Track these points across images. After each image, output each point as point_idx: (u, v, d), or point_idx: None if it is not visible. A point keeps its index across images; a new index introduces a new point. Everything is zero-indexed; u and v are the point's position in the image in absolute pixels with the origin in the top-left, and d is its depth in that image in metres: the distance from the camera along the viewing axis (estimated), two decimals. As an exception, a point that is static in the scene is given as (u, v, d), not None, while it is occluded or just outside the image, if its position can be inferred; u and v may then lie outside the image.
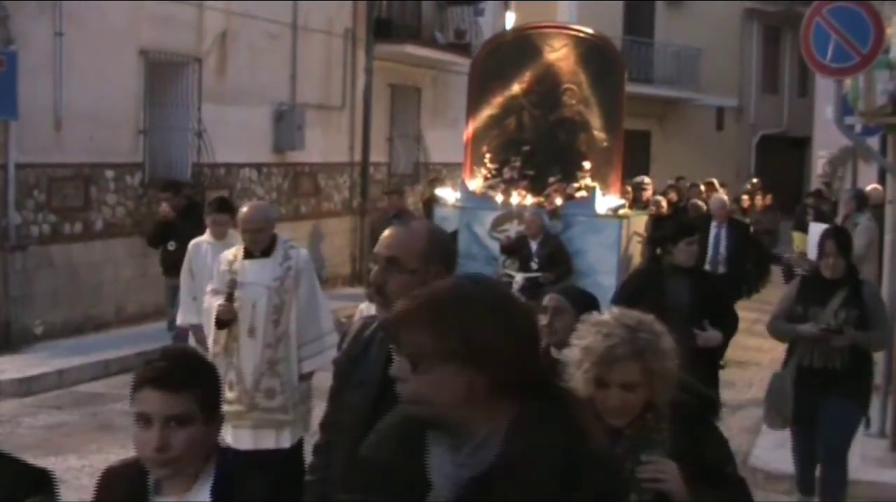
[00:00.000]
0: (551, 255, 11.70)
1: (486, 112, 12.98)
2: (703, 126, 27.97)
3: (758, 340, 14.11)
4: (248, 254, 5.99)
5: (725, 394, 10.67)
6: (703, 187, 17.93)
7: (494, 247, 12.36)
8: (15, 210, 11.26)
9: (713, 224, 12.10)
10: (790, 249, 18.55)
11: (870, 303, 6.49)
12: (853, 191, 12.63)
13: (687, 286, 6.57)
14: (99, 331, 12.39)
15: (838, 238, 6.57)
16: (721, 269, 11.54)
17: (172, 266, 9.81)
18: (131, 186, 12.92)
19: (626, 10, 25.58)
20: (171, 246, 10.85)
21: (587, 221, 12.18)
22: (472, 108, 13.13)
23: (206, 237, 7.89)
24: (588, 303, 4.54)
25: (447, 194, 13.30)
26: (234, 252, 6.15)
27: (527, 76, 12.82)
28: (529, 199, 12.37)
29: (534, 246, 11.72)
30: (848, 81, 9.34)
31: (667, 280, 6.63)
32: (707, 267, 10.85)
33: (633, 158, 25.69)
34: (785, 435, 8.50)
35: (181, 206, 11.40)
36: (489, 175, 12.76)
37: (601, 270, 11.97)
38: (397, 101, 19.21)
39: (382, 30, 17.88)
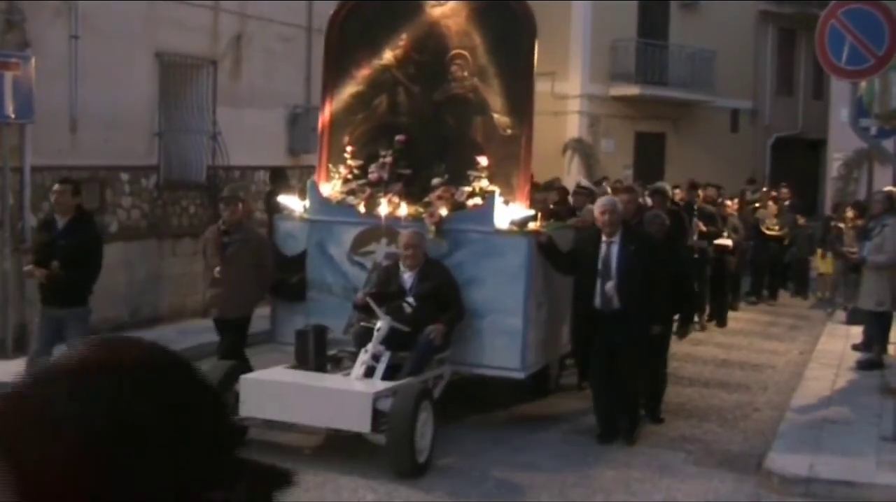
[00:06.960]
0: (435, 293, 8.58)
1: (348, 90, 9.90)
2: (717, 128, 27.89)
3: (773, 343, 14.14)
4: None
5: (741, 397, 10.70)
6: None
7: (357, 274, 9.29)
8: (31, 212, 11.31)
9: None
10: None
11: None
12: (882, 192, 12.51)
13: None
14: (114, 333, 12.40)
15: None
16: None
17: None
18: (146, 189, 12.96)
19: (640, 13, 25.49)
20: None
21: (483, 239, 8.89)
22: (329, 84, 9.98)
23: None
24: None
25: (293, 202, 9.89)
26: None
27: (402, 40, 9.74)
28: (404, 209, 9.20)
29: (409, 278, 8.67)
30: (863, 84, 9.34)
31: None
32: None
33: (647, 161, 25.83)
34: (802, 439, 8.51)
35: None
36: (350, 175, 9.63)
37: (503, 308, 8.77)
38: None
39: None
